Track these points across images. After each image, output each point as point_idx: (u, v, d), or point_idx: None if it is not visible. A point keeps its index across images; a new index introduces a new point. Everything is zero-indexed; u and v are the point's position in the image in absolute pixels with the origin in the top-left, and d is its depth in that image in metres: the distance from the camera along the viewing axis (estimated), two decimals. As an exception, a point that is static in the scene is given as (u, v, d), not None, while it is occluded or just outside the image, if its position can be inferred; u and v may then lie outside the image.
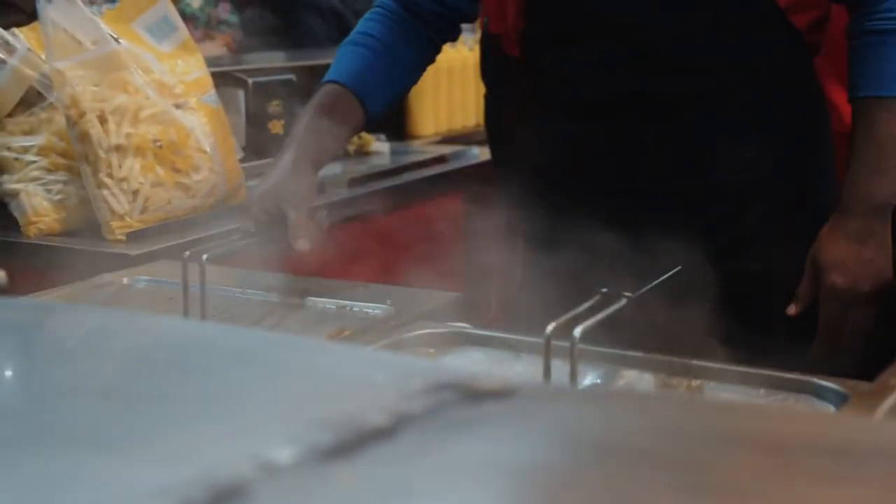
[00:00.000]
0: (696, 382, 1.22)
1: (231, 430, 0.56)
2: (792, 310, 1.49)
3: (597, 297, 1.20)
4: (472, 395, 0.61)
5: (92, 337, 0.76)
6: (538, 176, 1.67)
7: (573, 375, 1.10)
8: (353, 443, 0.54)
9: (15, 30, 2.06)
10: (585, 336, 1.12)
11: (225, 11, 4.06)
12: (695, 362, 1.24)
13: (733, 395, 1.22)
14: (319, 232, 1.55)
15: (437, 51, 1.75)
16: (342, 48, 1.69)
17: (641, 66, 1.55)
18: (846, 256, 1.46)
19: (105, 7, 2.08)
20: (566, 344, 1.13)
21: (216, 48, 3.87)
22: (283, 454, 0.52)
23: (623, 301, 1.19)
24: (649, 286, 1.25)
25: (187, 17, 3.73)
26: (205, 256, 1.43)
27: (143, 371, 0.66)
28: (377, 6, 1.71)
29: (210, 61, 2.24)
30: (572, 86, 1.60)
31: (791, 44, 1.57)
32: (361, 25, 1.70)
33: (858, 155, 1.47)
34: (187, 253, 1.44)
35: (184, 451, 0.53)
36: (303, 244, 1.50)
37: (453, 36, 1.75)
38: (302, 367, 0.66)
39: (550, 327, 1.10)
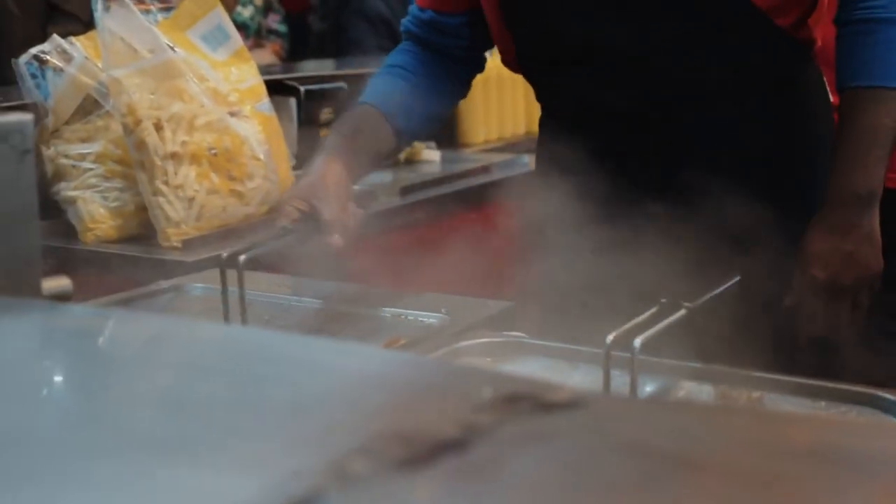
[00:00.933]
0: (755, 394, 1.20)
1: (304, 440, 0.55)
2: (787, 301, 1.48)
3: (656, 308, 1.19)
4: (543, 406, 0.61)
5: (158, 345, 0.77)
6: (575, 186, 1.68)
7: (633, 386, 1.09)
8: (426, 454, 0.54)
9: (72, 38, 2.08)
10: (644, 346, 1.11)
11: (274, 21, 4.09)
12: (755, 374, 1.23)
13: (793, 406, 1.20)
14: (355, 228, 1.56)
15: (467, 82, 1.82)
16: (373, 78, 1.76)
17: (634, 82, 1.55)
18: (826, 248, 1.46)
19: (160, 16, 2.10)
20: (625, 354, 1.12)
21: (266, 57, 3.90)
22: (358, 465, 0.52)
23: (682, 311, 1.19)
24: (708, 296, 1.24)
25: (238, 27, 3.75)
26: (242, 258, 1.43)
27: (211, 379, 0.66)
28: (403, 43, 1.78)
29: (261, 70, 2.25)
30: (574, 105, 1.62)
31: (779, 43, 1.56)
32: (390, 59, 1.77)
33: (843, 146, 1.47)
34: (224, 254, 1.44)
35: (257, 460, 0.53)
36: (337, 240, 1.52)
37: (479, 67, 1.81)
38: (371, 377, 0.66)
39: (610, 337, 1.10)
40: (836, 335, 1.47)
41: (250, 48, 3.76)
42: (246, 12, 3.95)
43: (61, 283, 0.94)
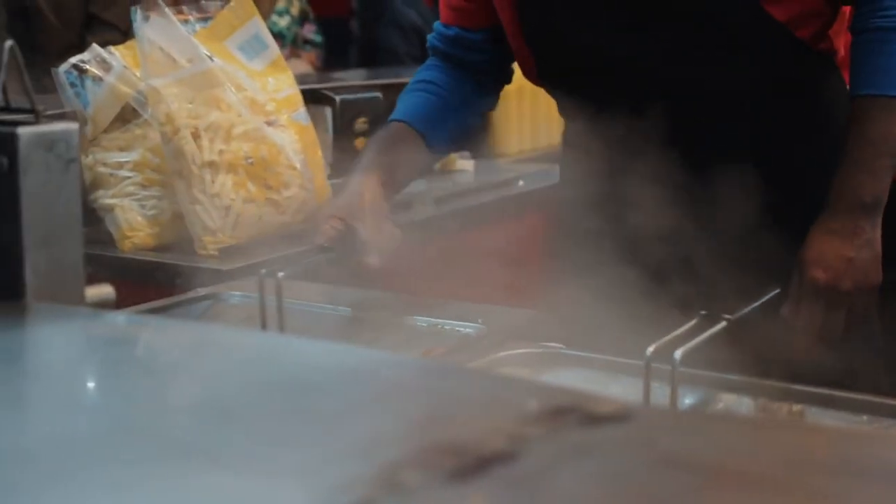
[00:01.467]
0: (797, 407, 1.20)
1: (352, 449, 0.56)
2: (785, 309, 1.47)
3: (696, 319, 1.19)
4: (590, 418, 0.61)
5: (202, 353, 0.77)
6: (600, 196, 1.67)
7: (673, 398, 1.09)
8: (475, 466, 0.54)
9: (111, 48, 2.09)
10: (684, 358, 1.11)
11: (310, 31, 4.10)
12: (795, 386, 1.22)
13: (835, 420, 1.19)
14: (391, 246, 1.57)
15: (495, 94, 1.83)
16: (402, 95, 1.78)
17: (651, 94, 1.55)
18: (827, 253, 1.45)
19: (199, 26, 2.11)
20: (665, 366, 1.12)
21: (301, 66, 3.91)
22: (408, 476, 0.52)
23: (723, 323, 1.18)
24: (749, 308, 1.23)
25: (274, 36, 3.77)
26: (280, 274, 1.44)
27: (258, 388, 0.67)
28: (430, 59, 1.80)
29: (297, 79, 2.26)
30: (593, 117, 1.61)
31: (798, 54, 1.55)
32: (418, 75, 1.79)
33: (850, 152, 1.46)
34: (263, 271, 1.46)
35: (305, 469, 0.54)
36: (374, 261, 1.52)
37: (507, 79, 1.81)
38: (417, 388, 0.66)
39: (651, 349, 1.10)
40: (831, 342, 1.46)
41: (286, 58, 3.79)
42: (282, 22, 3.97)
43: (104, 290, 0.95)
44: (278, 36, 3.89)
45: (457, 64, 1.76)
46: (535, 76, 1.70)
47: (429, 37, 1.83)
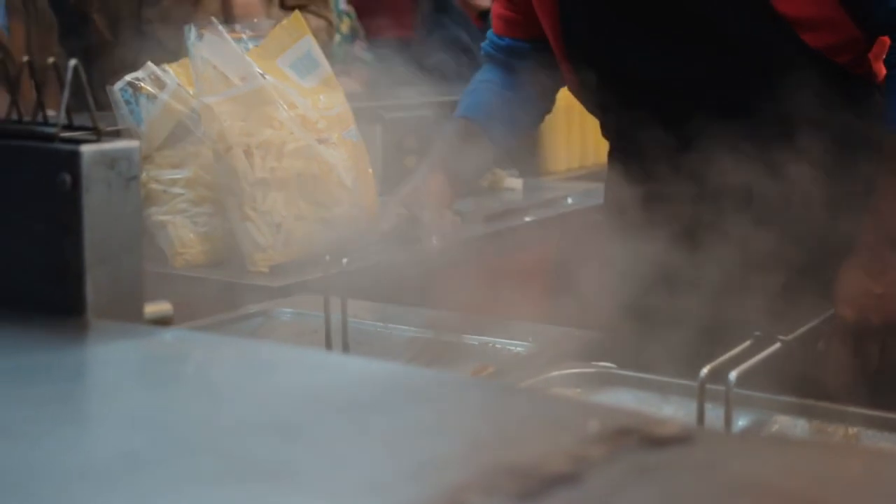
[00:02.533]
0: (852, 430, 1.18)
1: (417, 470, 0.56)
2: (820, 345, 1.47)
3: (750, 340, 1.18)
4: (652, 440, 0.61)
5: (265, 371, 0.78)
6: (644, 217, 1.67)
7: (727, 420, 1.08)
8: (539, 488, 0.54)
9: (165, 66, 2.12)
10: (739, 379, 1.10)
11: (360, 49, 4.13)
12: (851, 409, 1.21)
13: (891, 444, 1.18)
14: (453, 233, 1.67)
15: (552, 95, 1.88)
16: (465, 93, 1.84)
17: (690, 117, 1.55)
18: (855, 290, 1.45)
19: (251, 44, 2.12)
20: (718, 387, 1.11)
21: (352, 84, 3.94)
22: (472, 498, 0.52)
23: (777, 344, 1.17)
24: (804, 329, 1.22)
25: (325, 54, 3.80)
26: (344, 260, 1.49)
27: (320, 408, 0.67)
28: (486, 64, 1.86)
29: (347, 97, 2.27)
30: (634, 137, 1.62)
31: (837, 79, 1.54)
32: (479, 76, 1.85)
33: (882, 188, 1.45)
34: (328, 257, 1.48)
35: (372, 489, 0.54)
36: (435, 243, 1.61)
37: (560, 83, 1.83)
38: (478, 408, 0.66)
39: (705, 370, 1.09)
40: (866, 377, 1.45)
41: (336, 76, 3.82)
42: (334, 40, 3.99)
43: (162, 307, 0.96)
44: (329, 54, 3.91)
45: (512, 69, 1.81)
46: (576, 88, 1.71)
47: (483, 45, 1.88)
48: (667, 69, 1.55)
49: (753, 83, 1.53)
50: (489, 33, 1.87)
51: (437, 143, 1.81)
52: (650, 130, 1.58)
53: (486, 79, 1.83)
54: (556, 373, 1.35)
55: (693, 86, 1.54)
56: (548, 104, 1.89)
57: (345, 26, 4.07)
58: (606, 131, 1.78)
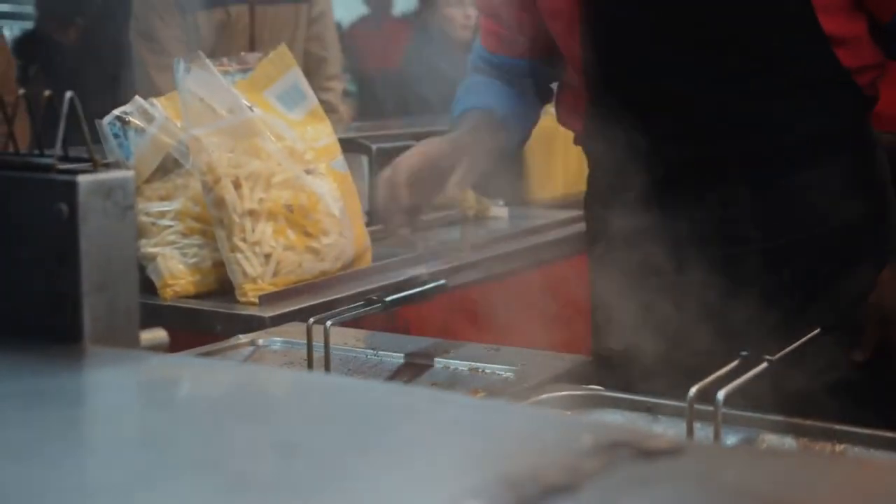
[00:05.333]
0: (839, 447, 1.20)
1: (419, 484, 0.57)
2: (857, 356, 1.48)
3: (738, 360, 1.20)
4: (645, 453, 0.62)
5: (262, 392, 0.79)
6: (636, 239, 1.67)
7: (717, 438, 1.10)
8: (536, 498, 0.55)
9: (153, 99, 2.14)
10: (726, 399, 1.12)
11: (344, 80, 4.16)
12: (838, 427, 1.23)
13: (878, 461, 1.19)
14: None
15: (541, 106, 1.87)
16: (469, 88, 1.82)
17: (715, 132, 1.55)
18: (890, 300, 1.46)
19: (238, 77, 2.15)
20: (707, 407, 1.13)
21: (339, 118, 3.97)
22: (472, 507, 0.53)
23: (764, 364, 1.19)
24: (790, 348, 1.24)
25: None
26: (328, 323, 1.47)
27: (319, 426, 0.68)
28: (473, 73, 1.85)
29: (334, 128, 2.29)
30: (649, 153, 1.59)
31: (855, 100, 1.56)
32: (471, 79, 1.84)
33: None
34: (311, 320, 1.49)
35: (374, 501, 0.55)
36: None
37: (550, 97, 1.84)
38: (473, 424, 0.67)
39: (693, 390, 1.11)
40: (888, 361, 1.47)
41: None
42: None
43: (158, 335, 0.97)
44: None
45: (503, 79, 1.81)
46: (581, 107, 1.69)
47: (470, 58, 1.87)
48: (689, 81, 1.54)
49: (776, 102, 1.53)
50: (478, 47, 1.86)
51: (454, 128, 1.79)
52: (660, 144, 1.57)
53: (481, 80, 1.82)
54: (545, 396, 1.37)
55: (720, 101, 1.54)
56: (537, 117, 1.89)
57: None
58: (597, 154, 1.75)
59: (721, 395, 1.10)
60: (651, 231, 1.57)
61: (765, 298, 1.46)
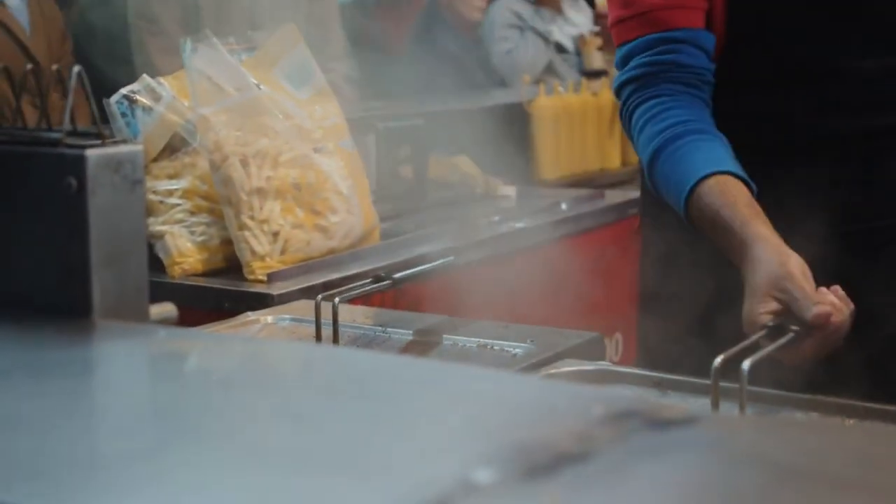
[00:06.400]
0: (850, 423, 1.20)
1: (431, 453, 0.57)
2: None
3: (763, 331, 1.19)
4: (657, 422, 0.62)
5: (270, 365, 0.79)
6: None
7: (742, 409, 1.09)
8: (549, 465, 0.55)
9: (160, 78, 2.13)
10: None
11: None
12: (857, 403, 1.22)
13: (888, 435, 1.19)
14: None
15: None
16: (690, 144, 1.43)
17: (855, 106, 1.50)
18: None
19: (245, 55, 2.14)
20: (731, 385, 1.12)
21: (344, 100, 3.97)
22: (483, 475, 0.53)
23: (790, 335, 1.18)
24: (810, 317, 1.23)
25: None
26: (337, 300, 1.47)
27: (329, 397, 0.68)
28: (641, 89, 1.50)
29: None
30: (780, 129, 1.51)
31: None
32: (671, 116, 1.46)
33: None
34: (320, 297, 1.49)
35: (390, 470, 0.55)
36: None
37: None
38: (484, 395, 0.67)
39: (719, 360, 1.10)
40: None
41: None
42: None
43: (166, 308, 0.97)
44: None
45: (682, 81, 1.48)
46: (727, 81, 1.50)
47: (621, 75, 1.52)
48: (848, 54, 1.47)
49: None
50: (641, 41, 1.48)
51: (734, 207, 1.35)
52: (810, 118, 1.49)
53: (681, 119, 1.45)
54: (555, 371, 1.37)
55: (868, 72, 1.48)
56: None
57: None
58: (743, 123, 1.51)
59: (746, 364, 1.09)
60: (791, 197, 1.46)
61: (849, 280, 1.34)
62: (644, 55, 1.48)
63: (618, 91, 1.52)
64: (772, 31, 1.48)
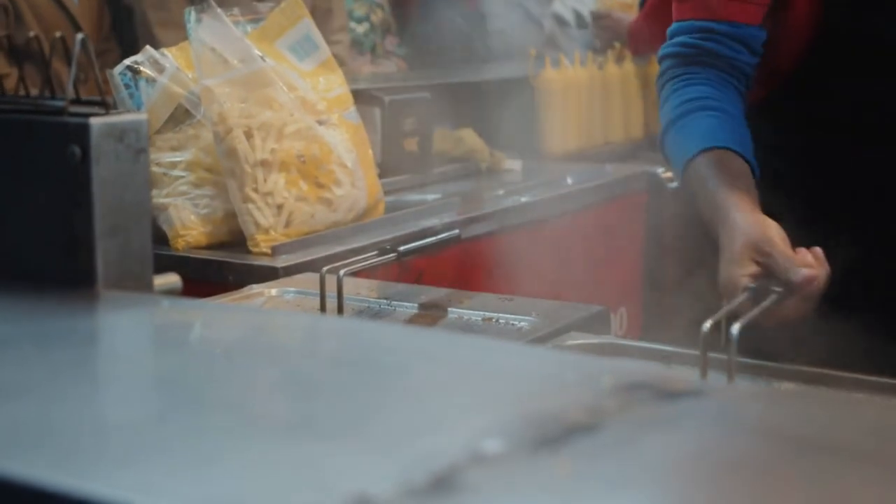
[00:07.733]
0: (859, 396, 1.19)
1: (439, 423, 0.57)
2: None
3: (746, 294, 1.19)
4: (665, 393, 0.62)
5: (277, 335, 0.78)
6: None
7: (730, 374, 1.09)
8: (558, 436, 0.55)
9: (164, 49, 2.12)
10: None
11: (392, 44, 4.14)
12: (853, 376, 1.22)
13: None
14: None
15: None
16: (690, 120, 1.47)
17: None
18: None
19: (250, 27, 2.13)
20: (720, 356, 1.12)
21: (390, 67, 3.98)
22: (493, 445, 0.53)
23: (773, 296, 1.18)
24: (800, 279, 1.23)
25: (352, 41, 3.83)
26: (342, 272, 1.47)
27: (334, 368, 0.68)
28: (684, 68, 1.53)
29: (347, 79, 2.27)
30: (869, 113, 1.49)
31: None
32: (683, 93, 1.50)
33: None
34: (324, 269, 1.48)
35: (396, 440, 0.54)
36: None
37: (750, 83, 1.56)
38: (493, 366, 0.67)
39: (707, 325, 1.10)
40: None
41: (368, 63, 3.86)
42: (360, 28, 3.96)
43: (171, 279, 0.97)
44: (355, 42, 3.90)
45: (709, 65, 1.51)
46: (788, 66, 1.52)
47: (676, 41, 1.54)
48: None
49: None
50: (681, 25, 1.53)
51: (719, 179, 1.38)
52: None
53: (701, 95, 1.48)
54: (560, 344, 1.36)
55: None
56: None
57: (376, 17, 4.03)
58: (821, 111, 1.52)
59: (735, 328, 1.09)
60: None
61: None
62: (688, 36, 1.53)
63: (660, 60, 1.58)
64: (867, 21, 1.48)
